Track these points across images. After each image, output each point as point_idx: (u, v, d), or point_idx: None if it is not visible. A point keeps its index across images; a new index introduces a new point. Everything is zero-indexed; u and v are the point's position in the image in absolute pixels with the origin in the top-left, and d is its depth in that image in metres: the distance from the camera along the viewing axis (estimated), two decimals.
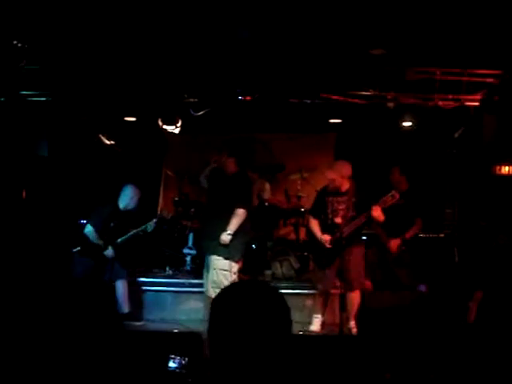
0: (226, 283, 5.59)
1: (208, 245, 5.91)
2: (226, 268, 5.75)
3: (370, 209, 5.64)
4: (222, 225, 5.77)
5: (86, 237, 6.28)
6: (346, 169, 5.98)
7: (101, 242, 6.26)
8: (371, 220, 5.76)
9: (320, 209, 6.10)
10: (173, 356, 1.74)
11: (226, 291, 1.71)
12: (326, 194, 6.10)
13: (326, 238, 5.89)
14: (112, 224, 6.33)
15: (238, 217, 5.79)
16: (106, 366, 1.88)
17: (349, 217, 5.86)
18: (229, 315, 1.62)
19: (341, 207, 5.91)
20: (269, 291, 1.72)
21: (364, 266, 6.06)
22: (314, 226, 6.13)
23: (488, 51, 5.67)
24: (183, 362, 1.71)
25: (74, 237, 6.39)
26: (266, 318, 1.63)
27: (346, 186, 5.94)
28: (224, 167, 6.00)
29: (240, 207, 5.79)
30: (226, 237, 5.72)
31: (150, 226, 6.38)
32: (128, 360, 2.01)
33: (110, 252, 6.27)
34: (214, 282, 5.71)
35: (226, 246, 5.73)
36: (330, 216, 5.98)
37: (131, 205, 6.43)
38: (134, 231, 6.35)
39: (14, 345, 1.91)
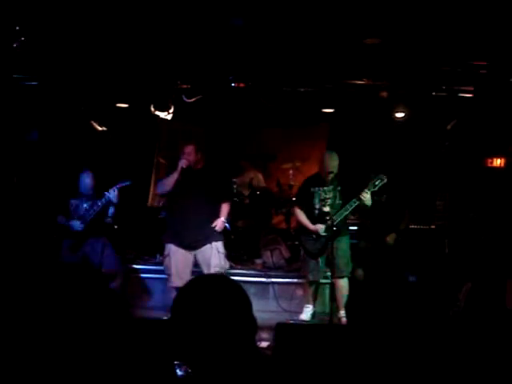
0: (226, 266, 5.97)
1: (198, 239, 5.82)
2: (223, 251, 5.90)
3: (359, 194, 5.67)
4: (206, 216, 5.84)
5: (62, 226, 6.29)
6: (337, 160, 6.01)
7: (63, 221, 6.22)
8: (360, 205, 5.76)
9: (306, 199, 6.10)
10: (178, 363, 1.74)
11: (192, 283, 1.73)
12: (311, 184, 6.11)
13: (320, 226, 5.89)
14: (73, 204, 6.26)
15: (228, 206, 6.01)
16: (94, 352, 1.86)
17: (337, 205, 5.89)
18: (191, 307, 1.66)
19: (328, 196, 5.94)
20: (232, 285, 1.73)
21: (351, 255, 6.08)
22: (302, 216, 6.12)
23: (482, 43, 5.66)
24: (189, 369, 1.71)
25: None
26: (228, 311, 1.66)
27: (334, 176, 5.96)
28: (195, 162, 5.87)
29: (227, 201, 6.01)
30: (222, 223, 5.87)
31: (111, 193, 6.10)
32: (118, 346, 1.99)
33: (75, 224, 6.19)
34: (219, 265, 5.79)
35: (215, 231, 5.83)
36: (318, 206, 5.99)
37: (88, 187, 6.31)
38: (99, 203, 6.17)
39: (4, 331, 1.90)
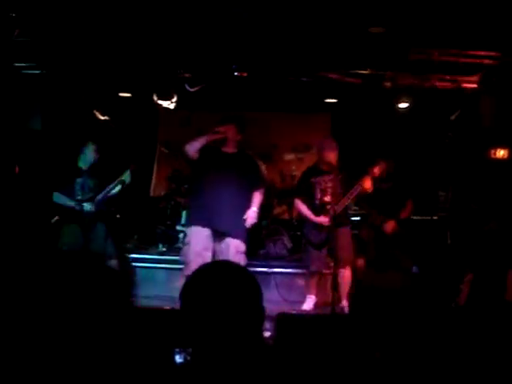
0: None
1: (227, 224, 5.58)
2: (244, 250, 5.68)
3: (359, 182, 5.67)
4: (237, 203, 5.63)
5: (58, 204, 6.20)
6: (336, 146, 6.00)
7: (73, 203, 6.13)
8: (360, 193, 5.75)
9: (307, 190, 6.08)
10: (178, 349, 1.73)
11: (200, 271, 1.72)
12: (311, 174, 6.09)
13: (324, 218, 5.85)
14: (78, 183, 6.21)
15: (261, 195, 5.78)
16: (95, 340, 1.86)
17: (338, 194, 5.85)
18: (201, 292, 1.65)
19: (329, 185, 5.91)
20: (242, 274, 1.72)
21: (353, 244, 6.07)
22: (304, 207, 6.10)
23: (486, 32, 5.62)
24: (188, 356, 1.71)
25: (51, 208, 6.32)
26: (237, 299, 1.65)
27: (334, 163, 5.92)
28: (229, 142, 5.71)
29: (260, 188, 5.78)
30: (254, 213, 5.62)
31: (127, 176, 6.12)
32: (119, 335, 1.99)
33: (87, 206, 6.11)
34: None
35: (242, 226, 5.61)
36: (319, 196, 5.99)
37: (89, 160, 6.30)
38: (111, 185, 6.17)
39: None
